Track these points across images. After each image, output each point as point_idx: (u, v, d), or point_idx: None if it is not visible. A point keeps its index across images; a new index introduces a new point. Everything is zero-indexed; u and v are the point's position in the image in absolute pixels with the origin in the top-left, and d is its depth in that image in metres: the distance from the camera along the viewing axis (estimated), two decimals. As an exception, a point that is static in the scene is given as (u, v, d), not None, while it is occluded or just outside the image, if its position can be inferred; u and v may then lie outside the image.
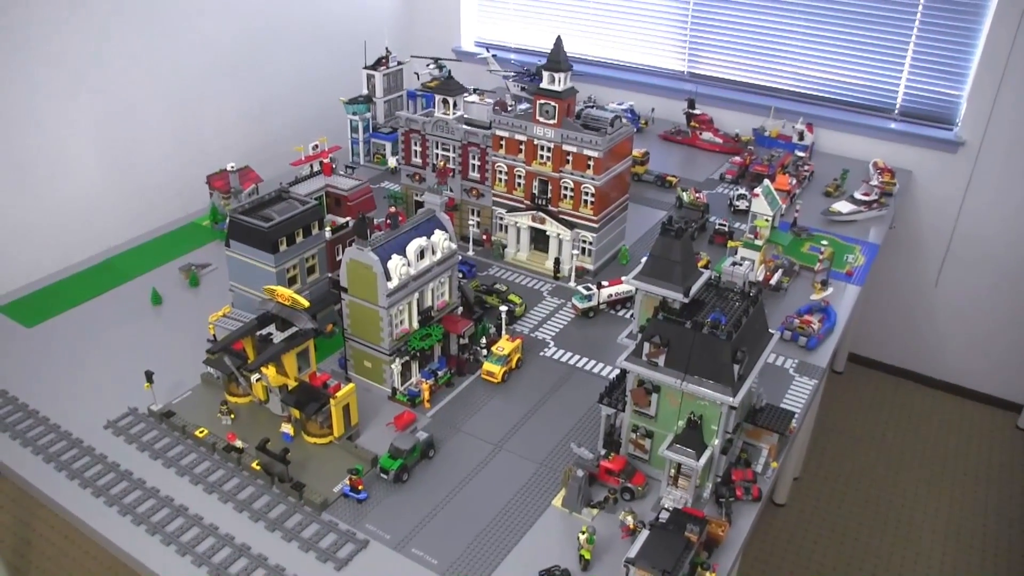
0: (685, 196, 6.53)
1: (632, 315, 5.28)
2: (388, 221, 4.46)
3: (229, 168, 6.34)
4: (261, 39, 8.51)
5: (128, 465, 4.06)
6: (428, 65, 7.79)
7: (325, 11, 9.10)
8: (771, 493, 6.85)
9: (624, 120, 5.68)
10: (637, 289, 3.96)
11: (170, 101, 7.76)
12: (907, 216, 7.92)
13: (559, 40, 5.39)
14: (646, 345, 3.70)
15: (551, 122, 5.46)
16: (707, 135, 8.08)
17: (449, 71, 6.78)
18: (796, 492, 7.17)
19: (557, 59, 5.35)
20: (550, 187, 5.63)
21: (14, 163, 6.67)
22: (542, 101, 5.44)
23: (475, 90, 6.41)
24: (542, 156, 5.59)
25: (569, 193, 5.58)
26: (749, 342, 3.73)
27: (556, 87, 5.39)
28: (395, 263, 4.24)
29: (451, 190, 6.03)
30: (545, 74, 5.39)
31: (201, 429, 4.22)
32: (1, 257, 6.64)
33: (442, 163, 5.90)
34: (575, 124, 5.45)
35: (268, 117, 8.73)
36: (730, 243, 5.91)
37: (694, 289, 3.78)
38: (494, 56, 8.42)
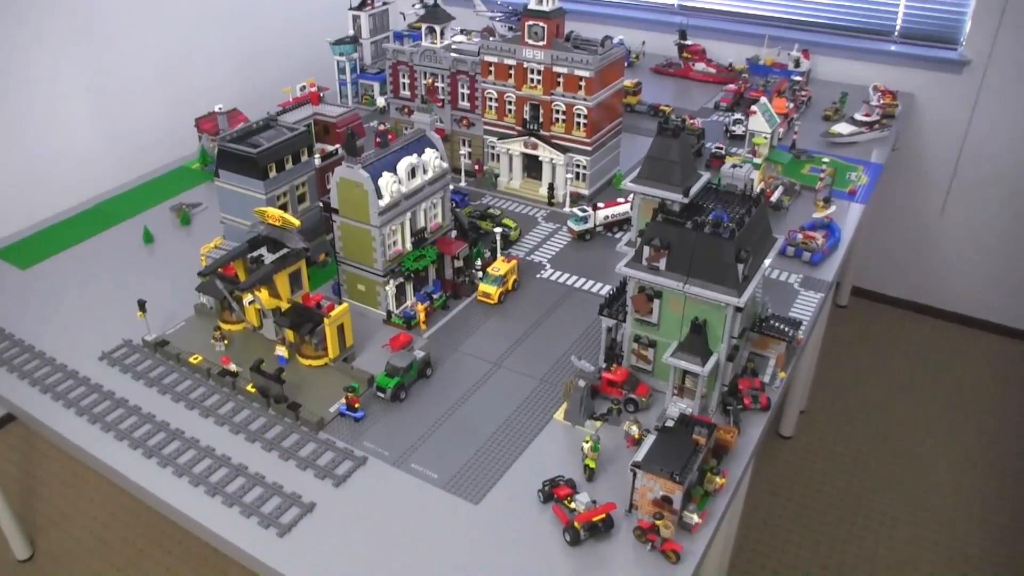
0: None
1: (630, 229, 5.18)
2: (378, 140, 4.34)
3: (217, 110, 6.22)
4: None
5: (123, 393, 3.98)
6: (413, 5, 7.62)
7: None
8: (778, 418, 6.85)
9: (613, 41, 5.53)
10: (634, 196, 3.85)
11: (159, 49, 7.64)
12: (910, 142, 7.74)
13: (547, -41, 5.24)
14: (646, 249, 3.59)
15: (540, 44, 5.32)
16: (700, 66, 7.93)
17: (436, 3, 6.61)
18: (803, 425, 7.10)
19: (545, -22, 5.22)
20: (541, 111, 5.50)
21: (6, 114, 6.58)
22: (531, 22, 5.29)
23: (462, 31, 6.28)
24: (532, 80, 5.45)
25: (561, 116, 5.45)
26: (752, 243, 3.62)
27: (544, 7, 5.24)
28: (386, 180, 4.13)
29: (441, 120, 5.90)
30: (533, -7, 5.25)
31: (195, 356, 4.13)
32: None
33: (431, 81, 5.77)
34: (565, 45, 5.31)
35: (257, 62, 8.58)
36: (728, 158, 5.79)
37: (694, 190, 3.67)
38: (479, -5, 8.23)
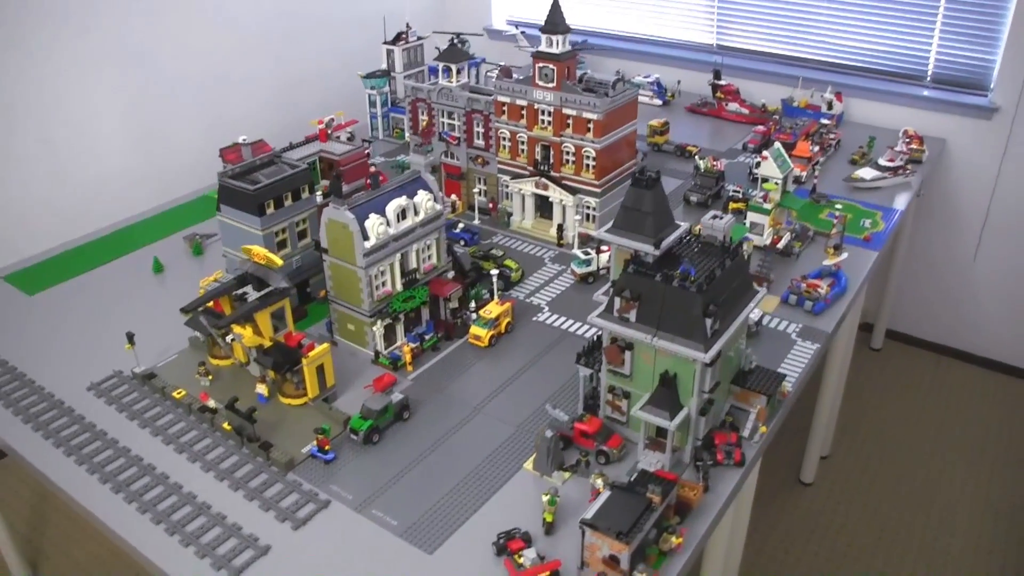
0: (702, 164, 6.33)
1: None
2: (368, 181, 4.38)
3: (241, 141, 6.33)
4: (289, 17, 8.53)
5: (103, 425, 4.06)
6: (452, 40, 7.71)
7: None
8: (798, 464, 6.68)
9: (628, 83, 5.51)
10: (611, 245, 3.82)
11: (195, 77, 7.83)
12: (943, 187, 7.57)
13: (556, 3, 5.25)
14: (617, 300, 3.55)
15: (550, 85, 5.32)
16: (733, 106, 7.85)
17: (469, 45, 6.68)
18: (824, 471, 6.92)
19: (554, 21, 5.22)
20: (552, 152, 5.50)
21: (42, 139, 6.79)
22: (541, 64, 5.31)
23: (502, 66, 6.32)
24: (543, 121, 5.46)
25: (571, 158, 5.44)
26: (726, 297, 3.55)
27: (554, 49, 5.25)
28: (372, 222, 4.16)
29: (457, 158, 5.94)
30: (543, 37, 5.26)
31: (179, 391, 4.20)
32: (22, 228, 6.75)
33: (425, 122, 5.81)
34: (574, 87, 5.30)
35: (293, 92, 8.75)
36: (731, 205, 5.71)
37: (667, 242, 3.62)
38: (523, 33, 8.29)
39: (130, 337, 4.27)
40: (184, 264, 5.55)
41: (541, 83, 5.35)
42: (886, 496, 6.68)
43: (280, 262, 4.08)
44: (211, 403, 4.03)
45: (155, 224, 6.09)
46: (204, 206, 6.31)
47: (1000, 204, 7.39)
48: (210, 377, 4.28)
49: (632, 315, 3.53)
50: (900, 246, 7.64)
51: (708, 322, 3.39)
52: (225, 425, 3.92)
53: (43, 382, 4.42)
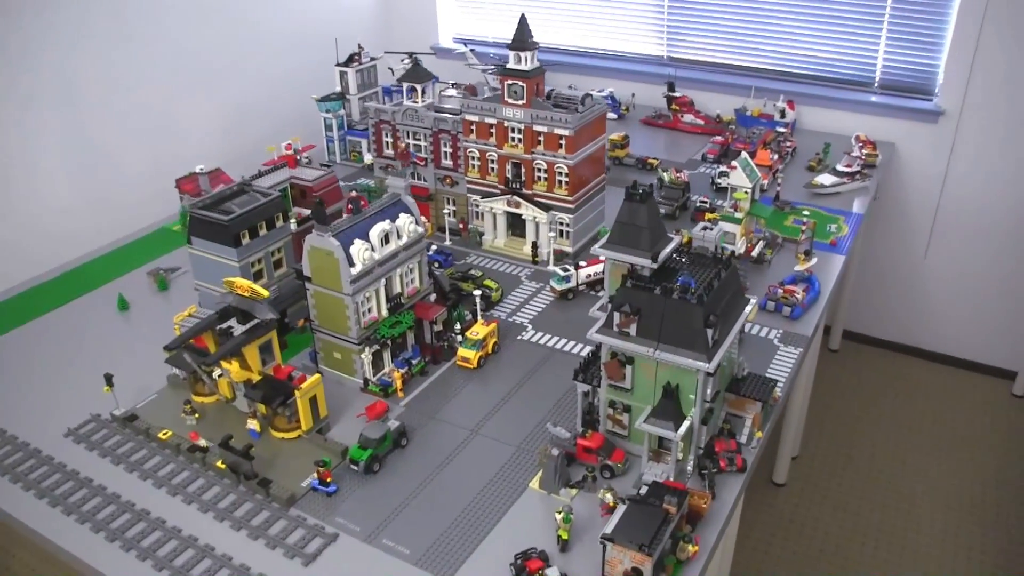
0: (666, 176, 6.39)
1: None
2: (350, 206, 4.32)
3: (198, 171, 6.21)
4: (236, 43, 8.42)
5: (88, 472, 3.91)
6: (403, 60, 7.66)
7: (301, 12, 9.02)
8: (771, 466, 6.77)
9: (595, 98, 5.54)
10: (606, 260, 3.82)
11: (143, 108, 7.66)
12: (893, 189, 7.79)
13: (523, 19, 5.29)
14: (616, 315, 3.55)
15: (520, 103, 5.32)
16: (688, 117, 7.95)
17: (416, 62, 6.64)
18: (795, 471, 7.04)
19: (522, 38, 5.25)
20: (523, 170, 5.49)
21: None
22: (510, 82, 5.31)
23: (454, 85, 6.30)
24: (513, 139, 5.45)
25: (543, 175, 5.44)
26: (722, 307, 3.58)
27: (523, 66, 5.26)
28: (358, 248, 4.10)
29: (424, 179, 5.90)
30: (511, 54, 5.27)
31: (165, 431, 4.07)
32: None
33: (403, 145, 5.77)
34: (545, 103, 5.31)
35: (244, 120, 8.61)
36: (707, 216, 5.77)
37: (663, 255, 3.64)
38: (472, 51, 8.29)
39: (108, 378, 4.13)
40: (150, 300, 5.40)
41: (510, 100, 5.35)
42: (854, 493, 6.83)
43: (266, 293, 3.99)
44: (202, 442, 3.91)
45: (113, 260, 5.92)
46: (163, 239, 6.17)
47: (948, 203, 7.63)
48: (196, 415, 4.17)
49: (632, 329, 3.54)
50: (855, 249, 7.81)
51: (709, 332, 3.41)
52: (219, 463, 3.82)
53: (15, 431, 4.24)
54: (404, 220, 4.40)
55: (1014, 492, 6.78)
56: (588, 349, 4.68)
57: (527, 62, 5.25)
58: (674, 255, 3.80)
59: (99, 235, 6.38)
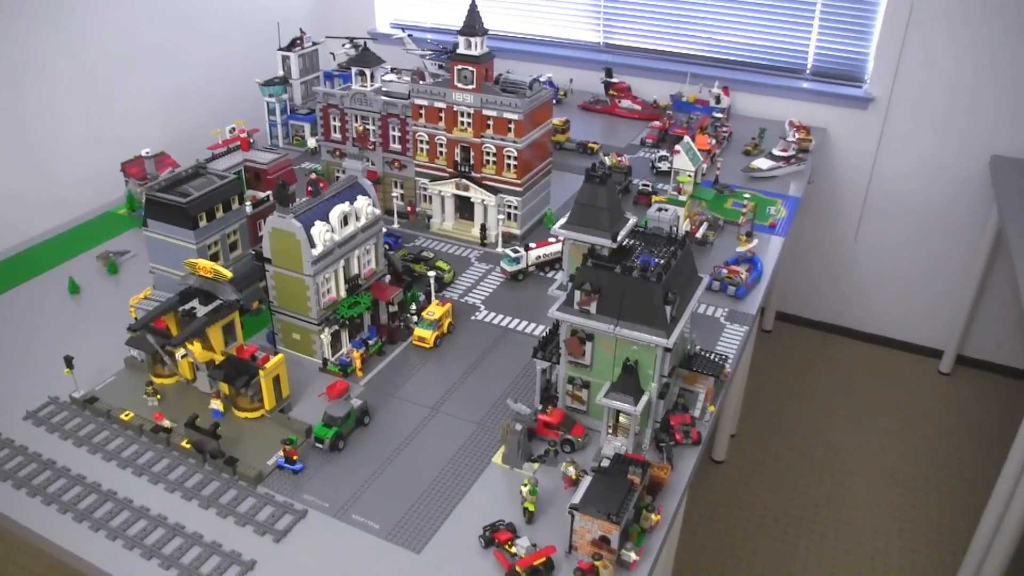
0: (608, 160, 6.54)
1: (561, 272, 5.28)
2: (309, 188, 4.36)
3: (144, 154, 6.16)
4: (178, 26, 8.31)
5: (51, 454, 3.88)
6: (344, 45, 7.68)
7: (238, -5, 8.94)
8: (710, 444, 7.00)
9: (543, 84, 5.65)
10: (565, 240, 3.94)
11: (82, 91, 7.52)
12: (824, 173, 8.07)
13: (474, 4, 5.35)
14: (577, 293, 3.68)
15: (470, 87, 5.40)
16: (626, 103, 8.12)
17: (366, 46, 6.67)
18: (734, 449, 7.28)
19: (472, 23, 5.31)
20: (472, 153, 5.58)
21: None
22: (460, 67, 5.38)
23: (393, 70, 6.33)
24: (462, 123, 5.53)
25: (492, 158, 5.54)
26: (679, 285, 3.73)
27: (473, 51, 5.34)
28: (319, 229, 4.15)
29: (372, 163, 5.94)
30: (461, 39, 5.34)
31: (127, 412, 4.07)
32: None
33: (361, 128, 5.80)
34: (494, 88, 5.40)
35: (185, 103, 8.51)
36: (654, 199, 5.93)
37: (621, 235, 3.78)
38: (410, 36, 8.31)
39: (68, 361, 4.09)
40: (101, 283, 5.34)
41: (460, 85, 5.43)
42: (791, 469, 7.10)
43: (229, 274, 4.01)
44: (166, 422, 3.93)
45: (60, 243, 5.82)
46: (110, 222, 6.09)
47: (877, 187, 7.95)
48: (158, 396, 4.17)
49: (593, 307, 3.66)
50: (789, 231, 8.08)
51: (668, 309, 3.56)
52: (184, 443, 3.84)
53: (-28, 415, 4.20)
54: (362, 202, 4.45)
55: (943, 466, 7.13)
56: (541, 328, 4.81)
57: (477, 47, 5.33)
58: (632, 235, 3.94)
59: (42, 220, 6.27)
